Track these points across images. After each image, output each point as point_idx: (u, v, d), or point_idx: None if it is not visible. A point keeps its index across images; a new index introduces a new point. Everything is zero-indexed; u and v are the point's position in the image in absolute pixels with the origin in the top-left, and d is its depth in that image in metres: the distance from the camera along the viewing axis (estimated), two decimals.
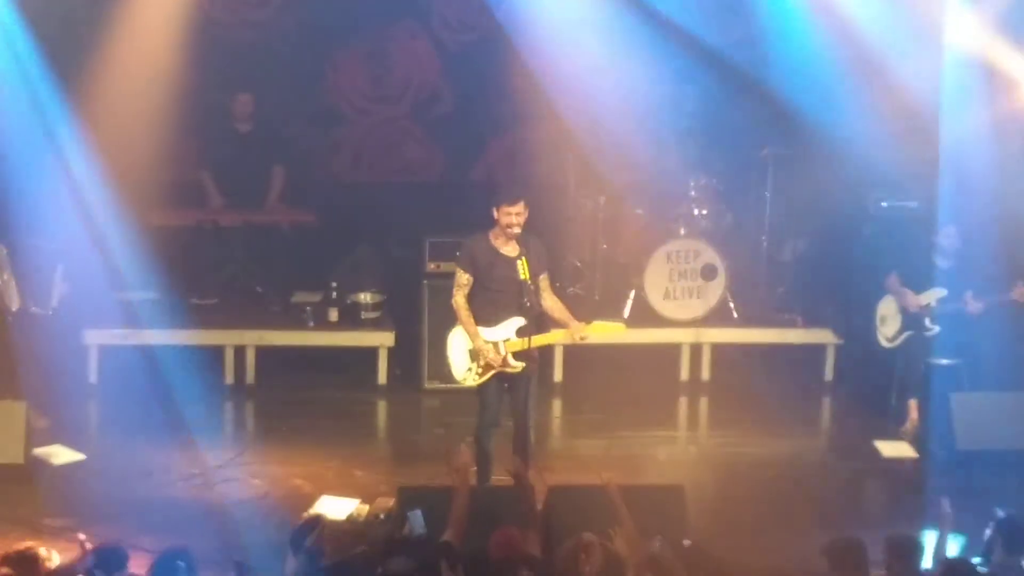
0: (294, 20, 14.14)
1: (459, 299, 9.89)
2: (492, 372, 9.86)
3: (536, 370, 10.15)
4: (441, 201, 14.01)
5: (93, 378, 12.52)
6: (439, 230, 12.85)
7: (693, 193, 13.66)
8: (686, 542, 8.42)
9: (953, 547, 8.42)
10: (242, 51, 14.03)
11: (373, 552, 8.00)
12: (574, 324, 9.89)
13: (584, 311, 10.30)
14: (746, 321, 13.47)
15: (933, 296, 11.84)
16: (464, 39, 14.55)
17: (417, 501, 9.13)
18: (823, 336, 13.38)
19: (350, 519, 9.94)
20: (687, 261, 13.31)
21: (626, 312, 13.09)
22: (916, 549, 7.86)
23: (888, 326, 12.09)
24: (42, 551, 7.37)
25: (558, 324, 9.98)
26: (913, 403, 11.92)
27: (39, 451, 10.86)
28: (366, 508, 10.06)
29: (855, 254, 13.23)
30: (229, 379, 12.72)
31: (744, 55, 14.05)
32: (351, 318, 13.06)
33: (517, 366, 9.82)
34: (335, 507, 10.06)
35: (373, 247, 14.05)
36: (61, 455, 10.94)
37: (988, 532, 8.10)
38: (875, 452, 11.63)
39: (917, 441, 11.76)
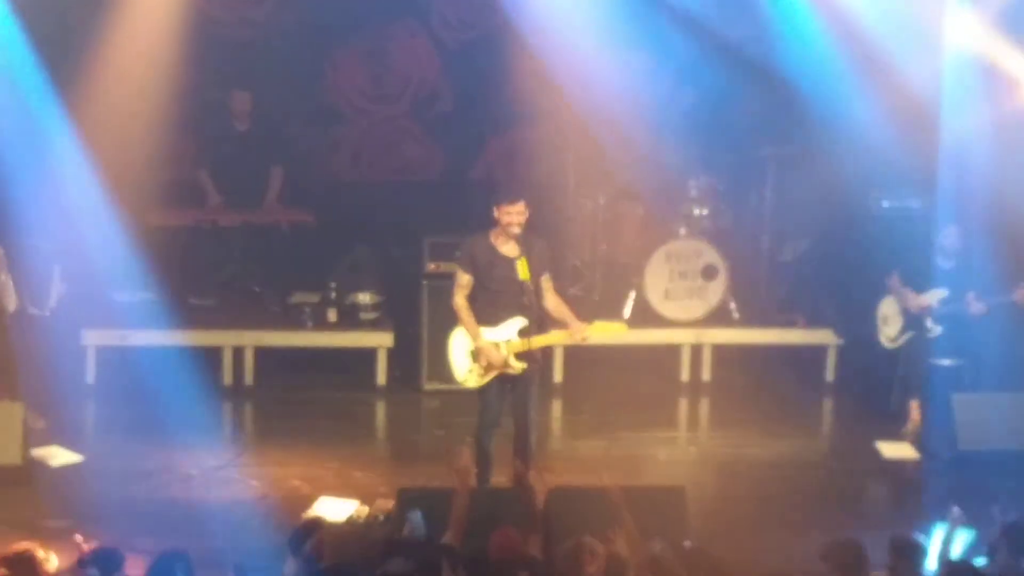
0: (293, 18, 14.11)
1: (459, 299, 9.87)
2: (494, 373, 9.84)
3: (538, 371, 10.14)
4: (441, 200, 13.99)
5: (91, 379, 12.51)
6: (438, 230, 12.83)
7: (694, 193, 13.66)
8: (687, 543, 8.42)
9: (960, 543, 8.40)
10: (240, 49, 14.00)
11: (372, 553, 7.96)
12: (576, 324, 9.87)
13: (584, 311, 10.28)
14: (747, 321, 13.46)
15: (935, 297, 11.82)
16: (464, 38, 14.53)
17: (417, 502, 9.12)
18: (824, 337, 13.37)
19: (349, 520, 9.91)
20: (688, 261, 13.29)
21: (626, 312, 13.07)
22: (920, 550, 7.86)
23: (890, 326, 12.07)
24: (40, 552, 7.34)
25: (560, 325, 9.97)
26: (914, 404, 11.91)
27: (37, 452, 10.85)
28: (365, 509, 10.04)
29: (856, 254, 13.20)
30: (227, 380, 12.71)
31: (745, 55, 14.02)
32: (350, 319, 13.04)
33: (518, 367, 9.80)
34: (334, 508, 10.03)
35: (372, 247, 14.01)
36: (59, 456, 10.93)
37: (994, 534, 8.08)
38: (876, 453, 11.63)
39: (918, 442, 11.75)
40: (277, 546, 8.40)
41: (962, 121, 12.30)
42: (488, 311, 9.83)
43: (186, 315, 12.75)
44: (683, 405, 13.06)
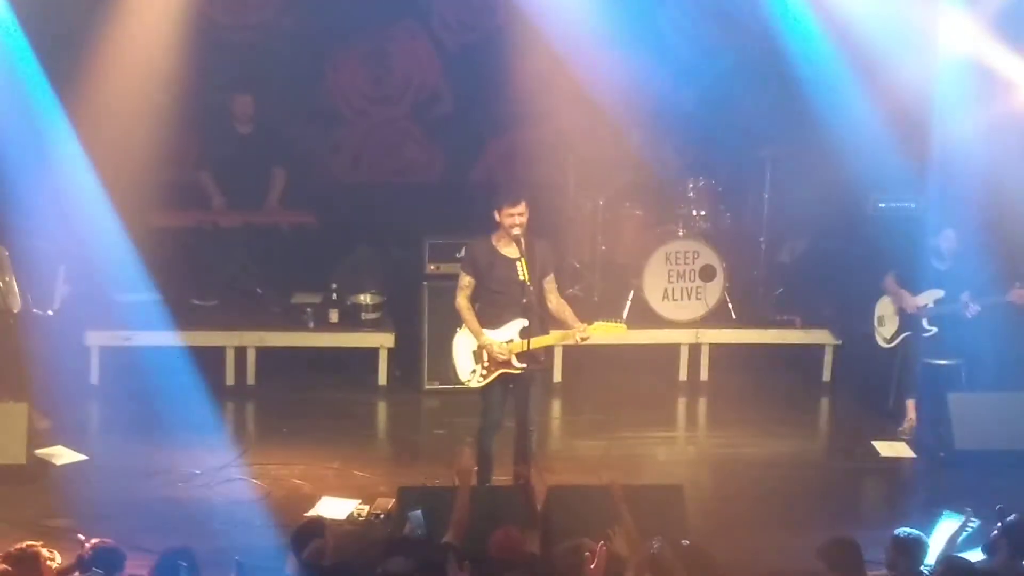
0: (294, 21, 14.14)
1: (461, 300, 9.93)
2: (496, 374, 9.89)
3: (541, 372, 10.21)
4: (441, 202, 14.02)
5: (94, 379, 12.53)
6: (439, 231, 12.88)
7: (692, 194, 13.69)
8: (685, 541, 8.46)
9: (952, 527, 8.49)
10: (242, 52, 14.03)
11: (373, 552, 8.03)
12: (576, 325, 9.93)
13: (583, 312, 10.32)
14: (745, 322, 13.49)
15: (931, 297, 11.88)
16: (464, 40, 14.56)
17: (417, 501, 9.17)
18: (821, 337, 13.41)
19: (350, 519, 9.98)
20: (686, 262, 13.33)
21: (625, 313, 13.10)
22: (920, 547, 7.88)
23: (886, 327, 12.12)
24: (44, 551, 7.39)
25: (561, 325, 10.01)
26: (911, 403, 11.97)
27: (41, 452, 10.89)
28: (366, 508, 10.09)
29: (853, 255, 13.25)
30: (230, 380, 12.73)
31: (743, 57, 14.08)
32: (351, 319, 13.08)
33: (520, 367, 9.85)
34: (335, 507, 10.10)
35: (373, 248, 14.08)
36: (63, 456, 10.97)
37: (994, 533, 8.13)
38: (873, 452, 11.67)
39: (915, 441, 11.80)
40: (279, 545, 8.46)
41: (957, 123, 12.36)
42: (490, 312, 9.88)
43: (188, 316, 12.79)
44: (681, 405, 13.09)
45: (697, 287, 13.33)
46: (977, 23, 12.33)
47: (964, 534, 8.50)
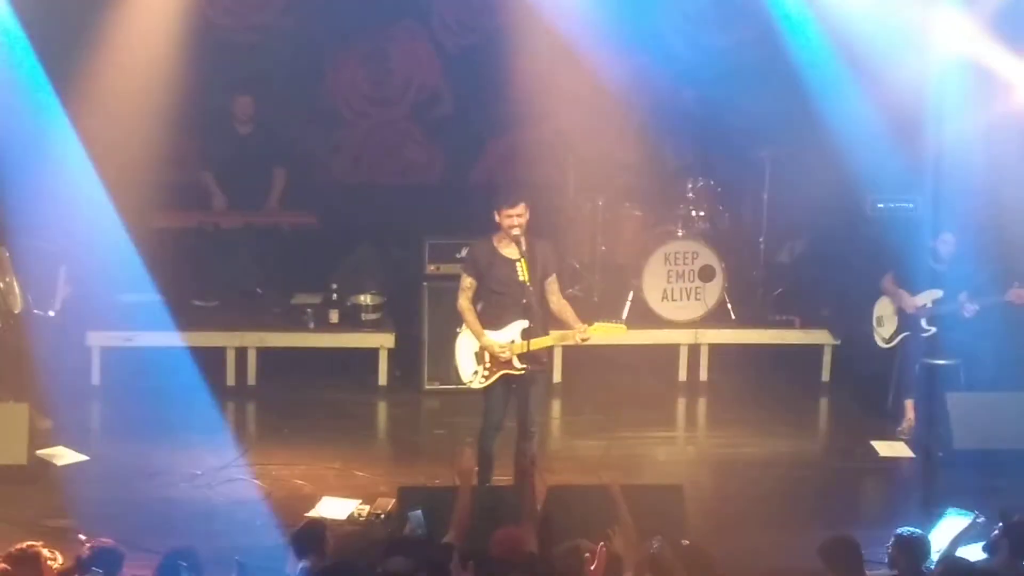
0: (294, 22, 14.16)
1: (462, 302, 9.95)
2: (498, 375, 9.90)
3: (544, 373, 10.24)
4: (441, 203, 14.04)
5: (96, 380, 12.55)
6: (439, 232, 12.90)
7: (691, 195, 13.71)
8: (685, 541, 8.48)
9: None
10: (242, 53, 14.04)
11: (373, 552, 8.05)
12: (577, 325, 9.94)
13: (583, 312, 10.33)
14: (744, 322, 13.51)
15: (929, 297, 11.90)
16: (464, 41, 14.58)
17: (417, 501, 9.20)
18: (820, 337, 13.43)
19: (351, 519, 9.99)
20: (685, 262, 13.34)
21: (624, 313, 13.12)
22: (923, 547, 7.90)
23: (885, 327, 12.14)
24: (44, 551, 7.39)
25: (562, 326, 10.03)
26: (910, 403, 11.98)
27: (42, 452, 10.90)
28: (367, 508, 10.11)
29: (852, 255, 13.27)
30: (230, 381, 12.74)
31: (742, 57, 14.09)
32: (351, 320, 13.10)
33: (521, 368, 9.87)
34: (336, 508, 10.12)
35: (373, 249, 14.10)
36: (64, 456, 10.98)
37: (995, 532, 8.15)
38: (872, 452, 11.68)
39: (914, 441, 11.81)
40: (280, 545, 8.47)
41: (956, 123, 12.39)
42: (493, 313, 9.90)
43: (189, 316, 12.80)
44: (681, 405, 13.11)
45: (696, 287, 13.34)
46: (975, 23, 12.35)
47: (970, 534, 8.53)
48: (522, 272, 9.79)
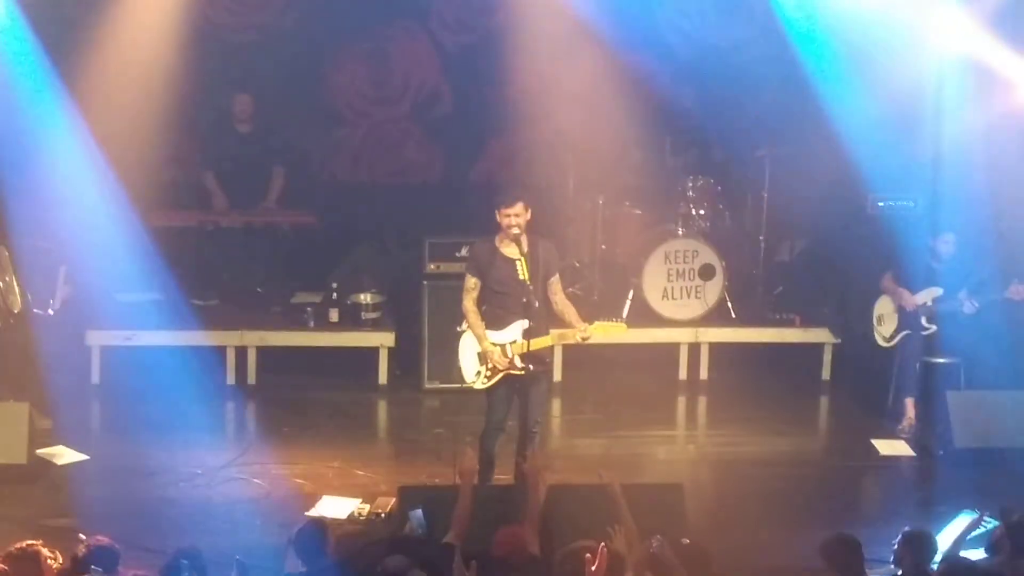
0: (294, 21, 14.16)
1: (467, 303, 9.94)
2: (500, 375, 9.90)
3: (547, 373, 10.23)
4: (441, 202, 14.05)
5: (96, 379, 12.55)
6: (439, 231, 12.91)
7: (691, 193, 13.71)
8: (685, 540, 8.47)
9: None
10: (242, 52, 14.06)
11: (374, 551, 8.05)
12: (578, 325, 9.94)
13: (583, 311, 10.33)
14: (744, 321, 13.51)
15: (929, 295, 11.90)
16: (463, 40, 14.58)
17: (417, 500, 9.20)
18: (821, 335, 13.43)
19: (351, 518, 9.99)
20: (685, 261, 13.35)
21: (625, 312, 13.12)
22: (929, 546, 7.89)
23: (885, 325, 12.14)
24: (44, 550, 7.38)
25: (564, 325, 10.03)
26: (910, 402, 11.98)
27: (42, 452, 10.91)
28: (367, 507, 10.11)
29: (853, 254, 13.27)
30: (231, 380, 12.74)
31: (742, 56, 14.10)
32: (351, 318, 13.09)
33: (522, 367, 9.86)
34: (336, 507, 10.12)
35: (373, 248, 14.11)
36: (64, 455, 10.98)
37: (996, 532, 8.15)
38: (872, 450, 11.68)
39: (914, 439, 11.81)
40: (280, 544, 8.47)
41: (956, 122, 12.39)
42: (496, 313, 9.88)
43: (190, 316, 12.81)
44: (681, 403, 13.10)
45: (696, 286, 13.35)
46: (975, 22, 12.35)
47: (975, 533, 8.53)
48: (522, 271, 9.79)
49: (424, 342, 12.72)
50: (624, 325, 10.35)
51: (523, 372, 9.84)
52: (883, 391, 12.26)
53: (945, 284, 11.83)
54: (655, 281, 13.31)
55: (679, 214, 13.62)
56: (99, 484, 10.49)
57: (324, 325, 13.04)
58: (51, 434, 11.18)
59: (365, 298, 13.13)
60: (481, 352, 9.91)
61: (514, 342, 9.82)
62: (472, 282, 9.94)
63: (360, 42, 14.51)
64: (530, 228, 9.86)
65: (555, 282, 9.99)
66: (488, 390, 9.98)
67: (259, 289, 13.56)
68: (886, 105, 12.57)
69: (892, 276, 12.09)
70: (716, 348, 13.38)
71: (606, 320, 10.21)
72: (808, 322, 13.48)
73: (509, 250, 9.86)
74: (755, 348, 13.44)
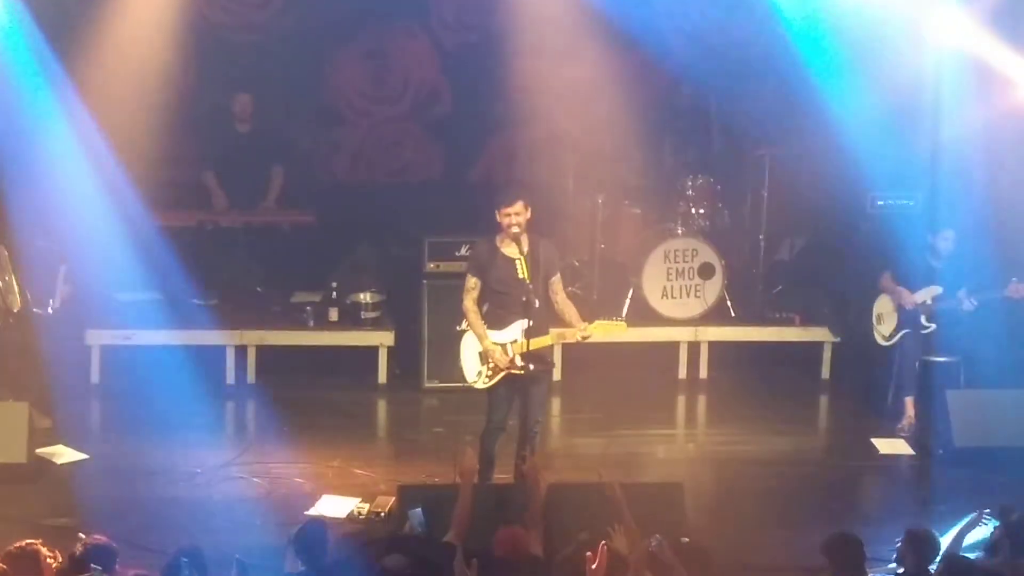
0: (293, 21, 14.16)
1: (467, 303, 9.94)
2: (501, 375, 9.90)
3: (548, 372, 10.23)
4: (440, 201, 14.03)
5: (95, 378, 12.56)
6: (439, 230, 12.92)
7: (691, 192, 13.70)
8: (684, 539, 8.48)
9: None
10: (241, 52, 14.05)
11: (373, 550, 8.06)
12: (578, 324, 9.94)
13: (583, 310, 10.33)
14: (744, 320, 13.51)
15: (928, 294, 11.90)
16: (463, 39, 14.57)
17: (417, 499, 9.21)
18: (820, 334, 13.43)
19: (350, 518, 9.99)
20: (685, 260, 13.35)
21: (624, 311, 13.11)
22: (932, 546, 7.88)
23: (885, 324, 12.14)
24: (44, 550, 7.38)
25: (565, 325, 10.02)
26: (910, 400, 11.98)
27: (42, 451, 10.91)
28: (366, 507, 10.11)
29: (852, 253, 13.27)
30: (230, 379, 12.74)
31: (741, 54, 14.10)
32: (351, 318, 13.10)
33: (525, 367, 9.85)
34: (336, 506, 10.12)
35: (373, 247, 14.10)
36: (64, 455, 10.98)
37: (995, 531, 8.14)
38: (872, 449, 11.68)
39: (914, 438, 11.81)
40: (279, 543, 8.47)
41: (955, 120, 12.39)
42: (497, 313, 9.89)
43: (189, 315, 12.81)
44: (681, 402, 13.11)
45: (696, 285, 13.35)
46: (974, 20, 12.35)
47: (974, 531, 8.53)
48: (522, 270, 9.79)
49: (424, 341, 12.72)
50: (624, 324, 10.35)
51: (523, 372, 9.84)
52: (883, 390, 12.26)
53: (944, 282, 11.83)
54: (655, 280, 13.31)
55: (679, 213, 13.62)
56: (99, 483, 10.49)
57: (324, 324, 13.04)
58: (51, 433, 11.18)
59: (365, 297, 13.13)
60: (482, 352, 9.91)
61: (515, 341, 9.82)
62: (472, 282, 9.94)
63: (360, 42, 14.51)
64: (531, 227, 9.86)
65: (556, 281, 9.99)
66: (489, 390, 9.97)
67: (259, 288, 13.56)
68: (885, 103, 12.59)
69: (891, 275, 12.09)
70: (716, 347, 13.38)
71: (606, 319, 10.21)
72: (808, 321, 13.48)
73: (509, 249, 9.86)
74: (755, 347, 13.44)
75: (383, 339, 12.98)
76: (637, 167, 14.09)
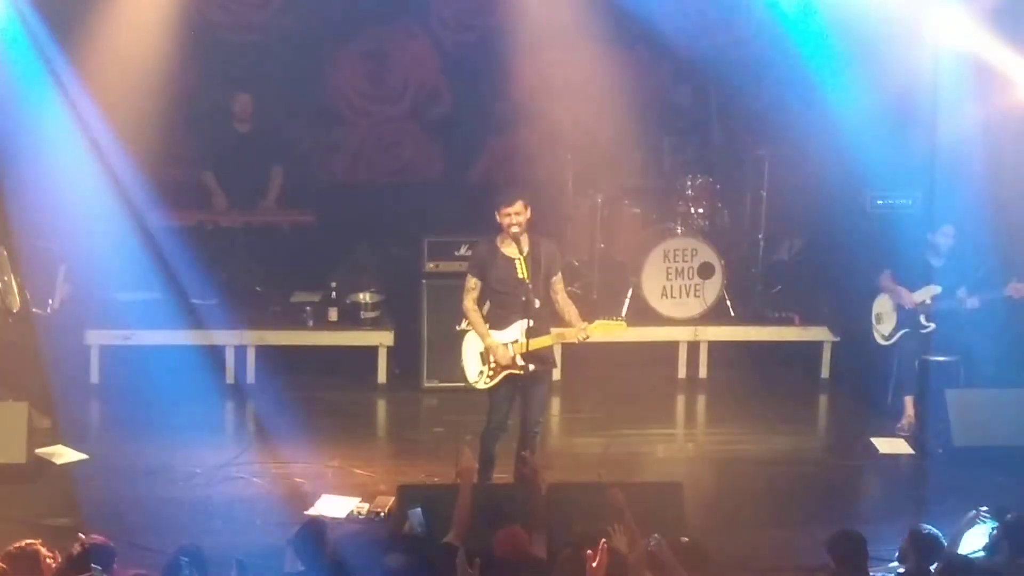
0: (293, 21, 14.15)
1: (467, 303, 9.94)
2: (503, 375, 9.90)
3: (549, 373, 10.23)
4: (440, 201, 14.04)
5: (95, 378, 12.55)
6: (438, 230, 12.92)
7: (690, 192, 13.71)
8: (684, 539, 8.49)
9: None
10: (241, 52, 14.05)
11: (373, 550, 8.05)
12: (578, 324, 9.94)
13: (583, 310, 10.33)
14: (743, 319, 13.51)
15: (928, 293, 11.90)
16: (463, 39, 14.58)
17: (417, 499, 9.21)
18: (819, 334, 13.42)
19: (350, 517, 10.00)
20: (684, 260, 13.35)
21: (624, 310, 13.11)
22: (934, 547, 7.88)
23: (884, 324, 12.14)
24: (43, 550, 7.38)
25: (565, 325, 10.02)
26: (909, 400, 11.98)
27: (42, 451, 10.91)
28: (366, 506, 10.11)
29: (851, 252, 13.25)
30: (230, 379, 12.73)
31: (740, 53, 14.10)
32: (351, 318, 13.10)
33: (526, 367, 9.84)
34: (335, 506, 10.12)
35: (372, 247, 14.10)
36: (63, 455, 10.98)
37: (993, 532, 8.14)
38: (872, 449, 11.68)
39: (913, 438, 11.81)
40: (279, 543, 8.47)
41: (955, 119, 12.39)
42: (498, 313, 9.89)
43: (189, 315, 12.81)
44: (680, 402, 13.11)
45: (695, 284, 13.34)
46: (974, 19, 12.34)
47: (973, 528, 8.54)
48: (521, 270, 9.79)
49: (423, 341, 12.72)
50: (624, 323, 10.35)
51: (523, 371, 9.84)
52: (882, 389, 12.26)
53: (944, 281, 11.83)
54: (654, 279, 13.31)
55: (678, 213, 13.62)
56: (98, 483, 10.48)
57: (323, 324, 13.04)
58: (50, 433, 11.18)
59: (364, 297, 13.13)
60: (483, 352, 9.91)
61: (516, 341, 9.82)
62: (472, 282, 9.94)
63: (359, 41, 14.51)
64: (532, 227, 9.86)
65: (557, 281, 9.99)
66: (490, 390, 9.98)
67: (258, 288, 13.55)
68: (885, 103, 12.60)
69: (891, 274, 12.09)
70: (715, 346, 13.38)
71: (606, 319, 10.21)
72: (807, 320, 13.48)
73: (509, 249, 9.86)
74: (754, 346, 13.44)
75: (383, 339, 12.98)
76: (636, 167, 14.10)
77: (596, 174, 13.90)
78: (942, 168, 12.45)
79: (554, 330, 10.00)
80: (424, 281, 12.75)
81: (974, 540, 8.50)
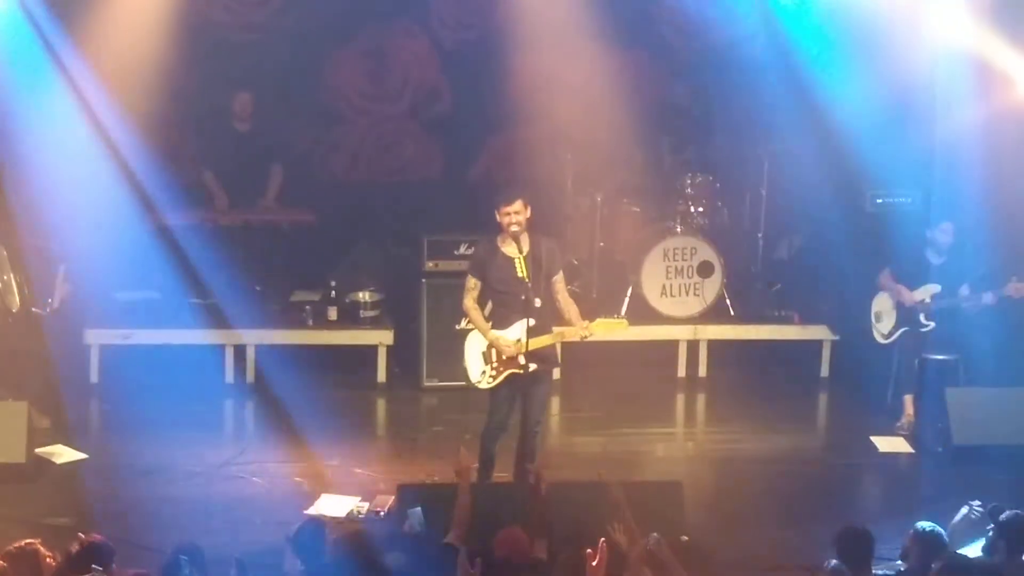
0: (293, 20, 14.15)
1: (467, 302, 9.94)
2: (505, 375, 9.90)
3: (549, 372, 10.23)
4: (440, 200, 14.05)
5: (94, 378, 12.56)
6: (437, 229, 12.93)
7: (690, 191, 13.72)
8: (684, 538, 8.49)
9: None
10: (241, 51, 14.04)
11: (373, 550, 8.05)
12: (579, 323, 9.95)
13: (583, 309, 10.33)
14: (743, 318, 13.52)
15: (927, 292, 11.90)
16: (462, 38, 14.57)
17: (416, 498, 9.22)
18: (819, 332, 13.43)
19: (350, 517, 9.99)
20: (684, 258, 13.35)
21: (623, 309, 13.13)
22: (937, 544, 7.87)
23: (884, 322, 12.14)
24: (43, 549, 7.38)
25: (566, 323, 10.02)
26: (909, 399, 11.99)
27: (41, 450, 10.91)
28: (366, 506, 10.12)
29: (851, 251, 13.25)
30: (229, 378, 12.75)
31: (740, 52, 14.10)
32: (350, 317, 13.10)
33: (523, 366, 9.84)
34: (335, 505, 10.12)
35: (372, 246, 14.11)
36: (63, 454, 10.99)
37: (990, 533, 8.14)
38: (872, 448, 11.69)
39: (913, 436, 11.82)
40: (279, 542, 8.47)
41: (955, 117, 12.38)
42: (500, 313, 9.88)
43: (188, 314, 12.81)
44: (680, 401, 13.12)
45: (695, 283, 13.35)
46: (973, 16, 12.34)
47: (967, 523, 8.54)
48: (521, 269, 9.78)
49: (423, 340, 12.72)
50: (626, 322, 10.36)
51: (523, 371, 9.84)
52: (882, 388, 12.27)
53: (944, 279, 11.82)
54: (654, 278, 13.31)
55: (678, 211, 13.63)
56: (98, 483, 10.50)
57: (323, 323, 13.05)
58: (50, 433, 11.19)
59: (364, 296, 13.14)
60: (486, 351, 9.90)
61: (517, 340, 9.81)
62: (472, 282, 9.94)
63: (359, 40, 14.50)
64: (532, 227, 9.86)
65: (558, 280, 9.99)
66: (491, 390, 9.97)
67: (258, 287, 13.53)
68: (885, 101, 12.59)
69: (890, 273, 12.09)
70: (715, 345, 13.39)
71: (607, 317, 10.21)
72: (807, 319, 13.49)
73: (509, 249, 9.86)
74: (754, 345, 13.45)
75: (382, 338, 12.98)
76: (636, 166, 14.10)
77: (596, 173, 13.91)
78: (941, 166, 12.47)
79: (555, 329, 10.00)
80: (424, 280, 12.75)
81: (965, 530, 8.51)
